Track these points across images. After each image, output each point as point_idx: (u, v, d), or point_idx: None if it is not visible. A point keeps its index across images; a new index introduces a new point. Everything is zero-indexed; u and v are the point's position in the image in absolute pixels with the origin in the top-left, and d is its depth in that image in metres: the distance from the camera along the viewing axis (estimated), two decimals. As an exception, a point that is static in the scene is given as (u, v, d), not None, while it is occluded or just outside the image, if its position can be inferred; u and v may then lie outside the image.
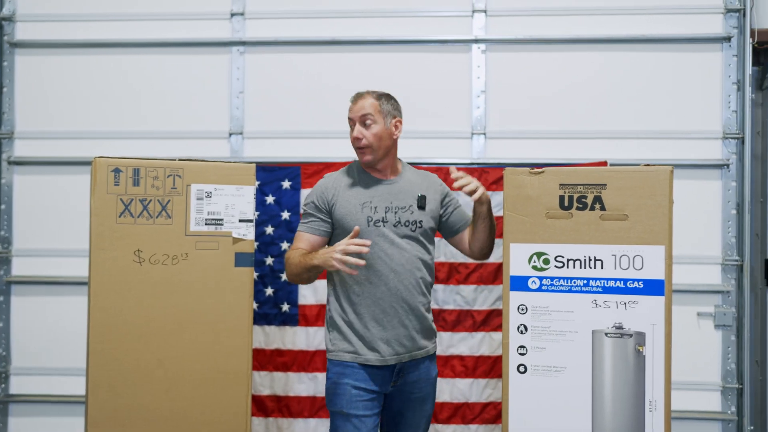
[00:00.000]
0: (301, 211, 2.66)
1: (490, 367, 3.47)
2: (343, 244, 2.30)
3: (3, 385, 3.66)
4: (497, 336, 3.45)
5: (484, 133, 3.56)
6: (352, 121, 2.51)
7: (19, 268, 3.67)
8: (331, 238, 2.53)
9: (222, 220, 2.43)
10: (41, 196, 3.65)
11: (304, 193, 3.44)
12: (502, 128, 3.57)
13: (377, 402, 2.49)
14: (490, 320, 3.47)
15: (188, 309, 2.40)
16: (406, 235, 2.50)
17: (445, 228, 2.65)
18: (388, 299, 2.46)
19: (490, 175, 3.43)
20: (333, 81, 3.58)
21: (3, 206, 3.66)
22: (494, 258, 3.44)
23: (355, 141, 2.49)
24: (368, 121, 2.48)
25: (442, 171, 3.36)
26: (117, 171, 2.33)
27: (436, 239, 3.36)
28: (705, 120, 3.50)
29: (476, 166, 3.49)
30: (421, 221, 2.53)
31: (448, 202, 2.64)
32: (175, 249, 2.39)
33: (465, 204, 2.71)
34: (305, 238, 2.50)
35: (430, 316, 2.59)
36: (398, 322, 2.47)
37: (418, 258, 2.51)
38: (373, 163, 2.51)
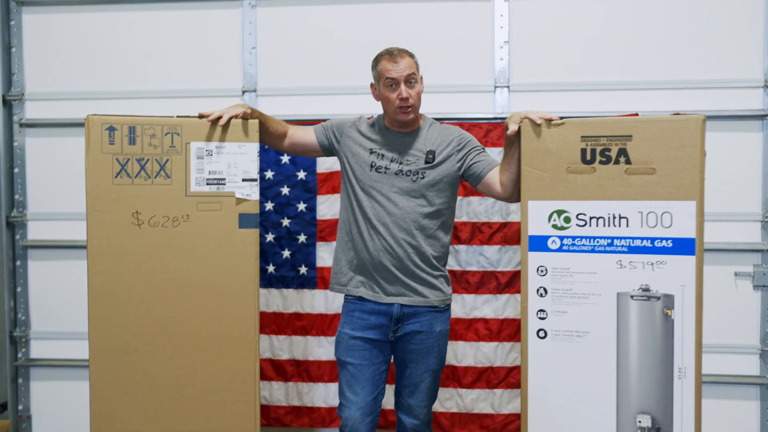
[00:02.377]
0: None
1: (516, 330, 3.34)
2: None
3: (24, 350, 3.65)
4: (522, 298, 3.31)
5: (508, 86, 3.38)
6: (394, 81, 2.44)
7: (35, 232, 3.63)
8: (344, 171, 2.58)
9: (224, 179, 2.32)
10: (54, 158, 3.58)
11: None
12: (527, 81, 3.38)
13: (377, 351, 2.52)
14: (515, 282, 3.33)
15: (191, 273, 2.31)
16: (407, 186, 2.48)
17: (470, 176, 2.55)
18: (374, 252, 2.48)
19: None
20: (348, 35, 3.42)
21: (17, 169, 3.61)
22: (519, 217, 3.28)
23: (403, 101, 2.44)
24: (412, 80, 2.46)
25: (464, 126, 3.21)
26: (111, 129, 2.23)
27: (459, 199, 3.27)
28: (744, 67, 3.27)
29: (499, 120, 3.32)
30: (425, 172, 2.48)
31: (469, 151, 2.55)
32: (175, 210, 2.29)
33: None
34: (308, 129, 2.62)
35: (432, 270, 2.52)
36: (383, 268, 2.48)
37: (417, 213, 2.47)
38: (413, 122, 2.51)
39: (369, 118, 2.63)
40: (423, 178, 2.48)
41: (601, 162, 2.18)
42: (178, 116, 2.31)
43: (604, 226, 2.20)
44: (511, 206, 3.31)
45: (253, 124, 2.36)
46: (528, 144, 2.25)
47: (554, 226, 2.24)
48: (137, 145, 2.25)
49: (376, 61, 2.51)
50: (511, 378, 3.36)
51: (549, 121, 2.24)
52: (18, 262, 3.62)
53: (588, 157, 2.19)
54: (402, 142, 2.52)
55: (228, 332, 2.35)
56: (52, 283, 3.62)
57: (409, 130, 2.54)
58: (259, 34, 3.47)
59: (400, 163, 2.49)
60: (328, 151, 2.62)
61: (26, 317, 3.64)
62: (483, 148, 2.58)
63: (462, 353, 3.38)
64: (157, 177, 2.26)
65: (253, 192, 2.35)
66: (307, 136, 2.61)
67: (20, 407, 3.65)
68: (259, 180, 2.36)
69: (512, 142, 2.36)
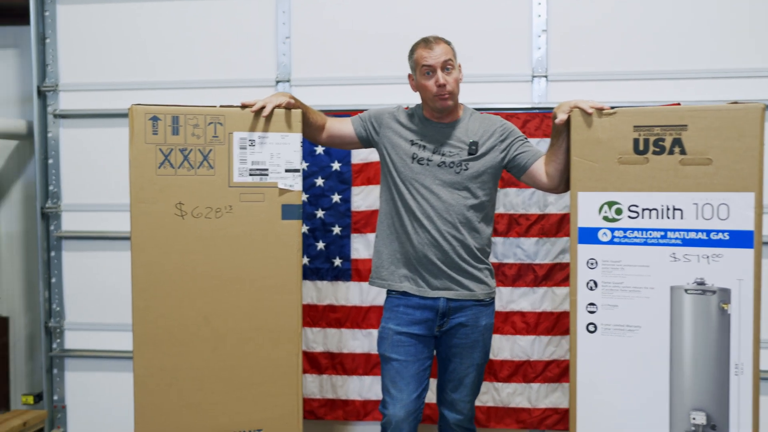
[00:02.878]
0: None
1: (553, 323, 3.29)
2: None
3: (59, 340, 3.65)
4: (560, 291, 3.26)
5: (546, 76, 3.31)
6: (431, 68, 2.40)
7: (69, 223, 3.62)
8: (384, 163, 2.54)
9: (267, 170, 2.29)
10: (88, 149, 3.57)
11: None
12: (565, 70, 3.32)
13: (422, 347, 2.49)
14: (553, 275, 3.28)
15: (234, 264, 2.28)
16: (450, 179, 2.43)
17: (514, 167, 2.50)
18: (419, 246, 2.43)
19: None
20: (384, 24, 3.37)
21: (51, 160, 3.60)
22: (557, 209, 3.24)
23: (440, 88, 2.39)
24: (449, 67, 2.41)
25: (500, 116, 3.15)
26: (155, 119, 2.20)
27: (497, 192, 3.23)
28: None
29: (537, 110, 3.27)
30: (467, 165, 2.43)
31: (512, 142, 2.50)
32: (218, 201, 2.26)
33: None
34: (344, 121, 2.57)
35: (477, 263, 2.48)
36: (428, 262, 2.44)
37: (462, 205, 2.43)
38: (451, 109, 2.46)
39: (406, 108, 2.58)
40: (466, 169, 2.43)
41: (654, 152, 2.12)
42: (221, 106, 2.27)
43: (657, 218, 2.14)
44: (549, 198, 3.25)
45: (296, 114, 2.33)
46: (578, 134, 2.19)
47: (605, 218, 2.19)
48: (180, 135, 2.22)
49: (412, 51, 2.47)
50: (548, 372, 3.31)
51: (600, 110, 2.19)
52: (53, 253, 3.62)
53: (641, 147, 2.14)
54: (443, 132, 2.47)
55: (271, 324, 2.32)
56: (86, 274, 3.61)
57: (450, 120, 2.49)
58: (293, 23, 3.43)
59: (443, 155, 2.44)
60: (366, 142, 2.57)
61: (61, 308, 3.64)
62: (526, 138, 2.53)
63: (498, 347, 3.34)
64: (200, 167, 2.23)
65: (296, 183, 2.32)
66: (344, 127, 2.56)
67: (55, 397, 3.65)
68: (301, 171, 2.32)
69: (560, 132, 2.31)
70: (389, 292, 2.53)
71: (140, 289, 2.23)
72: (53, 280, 3.62)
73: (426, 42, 2.42)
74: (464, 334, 2.48)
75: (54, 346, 3.64)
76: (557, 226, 3.26)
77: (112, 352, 3.58)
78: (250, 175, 2.28)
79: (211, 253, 2.26)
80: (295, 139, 2.31)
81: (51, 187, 3.60)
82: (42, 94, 3.58)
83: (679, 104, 3.07)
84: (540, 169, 2.43)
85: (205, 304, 2.27)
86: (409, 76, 2.52)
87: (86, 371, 3.66)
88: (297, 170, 2.32)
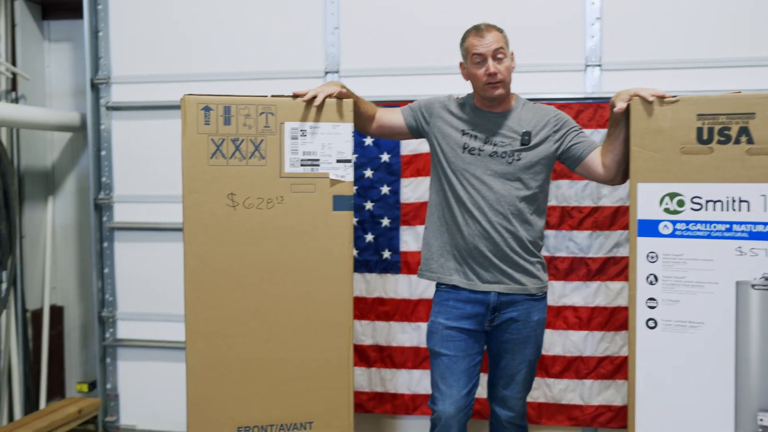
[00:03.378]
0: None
1: (607, 319, 3.21)
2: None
3: (111, 330, 3.70)
4: (614, 286, 3.18)
5: (600, 65, 3.22)
6: (481, 56, 2.34)
7: (121, 214, 3.66)
8: (434, 153, 2.50)
9: (318, 160, 2.27)
10: (139, 141, 3.61)
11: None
12: (620, 59, 3.22)
13: (473, 342, 2.44)
14: (607, 269, 3.20)
15: (285, 256, 2.27)
16: (501, 169, 2.37)
17: (568, 158, 2.43)
18: (469, 237, 2.38)
19: (607, 111, 3.12)
20: (435, 12, 3.32)
21: (103, 152, 3.64)
22: (611, 201, 3.16)
23: (491, 76, 2.34)
24: (500, 55, 2.35)
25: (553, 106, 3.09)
26: (207, 109, 2.19)
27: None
28: None
29: (591, 100, 3.18)
30: (520, 155, 2.37)
31: (566, 133, 2.43)
32: (269, 192, 2.24)
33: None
34: (394, 111, 2.53)
35: (529, 256, 2.42)
36: (479, 254, 2.39)
37: (513, 196, 2.37)
38: (503, 98, 2.40)
39: (457, 98, 2.53)
40: (519, 160, 2.37)
41: (719, 141, 2.04)
42: (272, 96, 2.26)
43: (722, 210, 2.06)
44: (603, 190, 3.17)
45: (348, 104, 2.30)
46: (638, 123, 2.12)
47: (666, 210, 2.11)
48: (232, 125, 2.21)
49: (464, 38, 2.42)
50: (601, 368, 3.24)
51: (661, 98, 2.11)
52: (105, 244, 3.66)
53: (705, 137, 2.06)
54: (494, 122, 2.41)
55: (322, 317, 2.30)
56: (138, 265, 3.65)
57: (502, 110, 2.43)
58: (342, 14, 3.40)
59: (494, 145, 2.38)
60: (417, 132, 2.53)
61: (113, 298, 3.69)
62: (581, 129, 2.46)
63: (550, 342, 3.27)
64: (251, 158, 2.22)
65: (347, 173, 2.29)
66: (394, 118, 2.52)
67: (108, 386, 3.71)
68: (353, 161, 2.30)
69: (618, 122, 2.24)
70: (438, 285, 2.48)
71: (192, 280, 2.23)
72: (106, 270, 3.67)
73: (477, 29, 2.37)
74: (516, 330, 2.43)
75: (107, 335, 3.69)
76: (611, 218, 3.18)
77: (164, 342, 3.61)
78: (302, 165, 2.26)
79: (262, 245, 2.25)
80: (347, 129, 2.28)
81: (104, 179, 3.65)
82: (95, 87, 3.62)
83: (739, 92, 2.96)
84: (596, 160, 2.36)
85: (256, 295, 2.26)
86: (461, 64, 2.47)
87: (138, 361, 3.70)
88: (348, 160, 2.29)
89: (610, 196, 3.17)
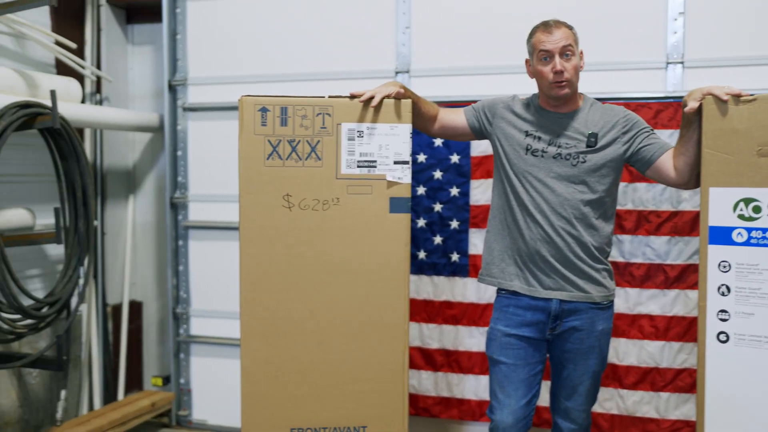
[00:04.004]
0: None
1: (685, 329, 3.05)
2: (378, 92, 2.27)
3: (185, 326, 3.79)
4: (694, 295, 3.02)
5: (682, 62, 3.07)
6: (548, 53, 2.25)
7: (196, 213, 3.75)
8: (496, 155, 2.43)
9: (375, 161, 2.24)
10: (213, 141, 3.68)
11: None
12: (704, 55, 3.05)
13: (533, 350, 2.35)
14: (686, 276, 3.04)
15: (340, 258, 2.25)
16: (566, 172, 2.27)
17: (639, 160, 2.32)
18: (531, 241, 2.30)
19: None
20: (507, 10, 3.24)
21: (179, 152, 3.73)
22: (691, 206, 3.00)
23: (557, 75, 2.25)
24: (568, 53, 2.26)
25: (630, 106, 2.95)
26: (264, 110, 2.20)
27: (623, 186, 3.02)
28: None
29: (671, 100, 3.03)
30: (585, 157, 2.26)
31: (637, 133, 2.31)
32: (325, 193, 2.23)
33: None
34: (457, 112, 2.48)
35: (594, 263, 2.31)
36: (540, 259, 2.30)
37: (578, 200, 2.27)
38: (569, 98, 2.31)
39: (522, 98, 2.45)
40: (584, 162, 2.27)
41: (801, 144, 1.89)
42: (329, 96, 2.25)
43: (804, 217, 1.91)
44: (683, 194, 3.01)
45: (406, 104, 2.26)
46: (711, 123, 1.99)
47: (740, 217, 1.98)
48: (289, 126, 2.21)
49: (531, 34, 2.33)
50: (679, 381, 3.08)
51: (737, 97, 1.98)
52: (180, 242, 3.76)
53: (785, 138, 1.91)
54: (560, 123, 2.32)
55: (377, 319, 2.27)
56: (211, 263, 3.73)
57: (568, 110, 2.33)
58: (413, 13, 3.37)
59: (559, 146, 2.29)
60: (479, 133, 2.47)
61: (187, 295, 3.78)
62: (652, 130, 2.34)
63: (624, 351, 3.14)
64: (308, 159, 2.22)
65: (404, 175, 2.25)
66: (457, 118, 2.46)
67: (182, 381, 3.80)
68: (411, 163, 2.26)
69: (691, 122, 2.11)
70: (499, 290, 2.41)
71: (247, 280, 2.24)
72: (180, 268, 3.76)
73: (545, 25, 2.28)
74: (578, 339, 2.33)
75: (181, 331, 3.78)
76: (691, 224, 3.02)
77: (234, 340, 3.67)
78: (358, 166, 2.24)
79: (318, 246, 2.24)
80: (405, 129, 2.24)
81: (179, 178, 3.74)
82: (172, 88, 3.72)
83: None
84: (667, 162, 2.24)
85: (311, 297, 2.25)
86: (527, 61, 2.39)
87: (210, 357, 3.78)
88: (406, 162, 2.25)
89: (690, 201, 3.01)
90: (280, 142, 2.20)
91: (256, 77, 3.57)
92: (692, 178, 2.19)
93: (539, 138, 2.32)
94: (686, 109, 2.06)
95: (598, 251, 2.30)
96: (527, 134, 2.34)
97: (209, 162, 3.68)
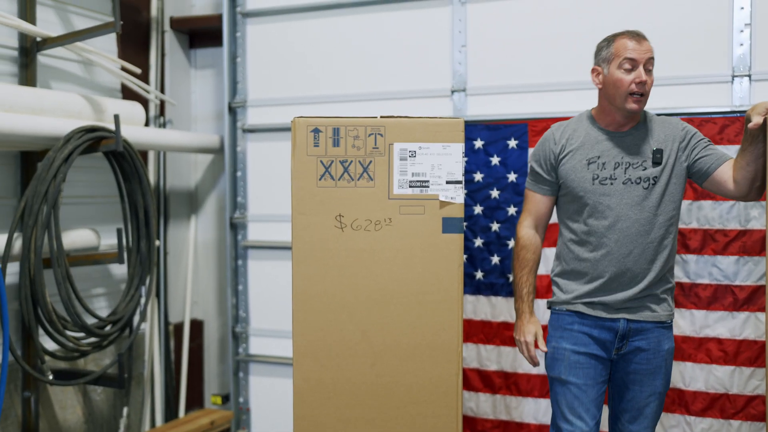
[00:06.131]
0: (529, 165, 2.47)
1: (757, 354, 2.93)
2: (532, 350, 2.37)
3: (244, 345, 3.83)
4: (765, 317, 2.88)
5: (749, 75, 2.96)
6: (634, 62, 2.18)
7: (255, 233, 3.80)
8: (557, 198, 2.37)
9: (428, 181, 2.21)
10: (271, 162, 3.73)
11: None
12: (775, 66, 2.94)
13: (600, 370, 2.30)
14: (756, 298, 2.92)
15: (393, 278, 2.23)
16: (638, 196, 2.21)
17: (696, 172, 2.25)
18: (607, 266, 2.23)
19: (758, 125, 2.85)
20: (564, 26, 3.19)
21: (239, 173, 3.79)
22: (761, 224, 2.88)
23: (639, 85, 2.17)
24: (650, 67, 2.21)
25: (694, 121, 2.87)
26: (316, 131, 2.20)
27: (687, 204, 2.93)
28: None
29: (738, 114, 2.93)
30: (656, 177, 2.19)
31: (695, 145, 2.25)
32: (377, 214, 2.21)
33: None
34: (532, 199, 2.40)
35: (664, 283, 2.26)
36: (617, 285, 2.24)
37: (648, 222, 2.20)
38: (634, 116, 2.26)
39: (562, 125, 2.36)
40: (654, 184, 2.20)
41: None
42: (381, 116, 2.24)
43: None
44: (752, 212, 2.90)
45: (457, 122, 2.23)
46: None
47: (812, 237, 1.88)
48: (341, 146, 2.21)
49: (610, 40, 2.25)
50: (751, 409, 2.94)
51: None
52: (239, 262, 3.80)
53: None
54: (622, 142, 2.25)
55: (430, 341, 2.24)
56: (268, 283, 3.77)
57: (628, 128, 2.27)
58: (469, 31, 3.36)
59: (626, 170, 2.21)
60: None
61: (246, 314, 3.82)
62: (709, 141, 2.27)
63: (690, 376, 3.02)
64: (360, 179, 2.21)
65: (457, 195, 2.22)
66: (539, 201, 2.38)
67: (241, 400, 3.83)
68: (464, 182, 2.23)
69: (754, 137, 2.04)
70: (561, 309, 2.35)
71: (300, 301, 2.24)
72: (240, 287, 3.80)
73: (632, 33, 2.21)
74: (645, 359, 2.27)
75: (240, 350, 3.82)
76: (761, 243, 2.89)
77: (291, 359, 3.67)
78: (410, 186, 2.22)
79: (370, 267, 2.23)
80: (457, 149, 2.21)
81: (239, 198, 3.80)
82: (232, 110, 3.79)
83: None
84: (726, 174, 2.17)
85: (364, 318, 2.23)
86: (594, 69, 2.29)
87: (269, 376, 3.80)
88: (459, 182, 2.22)
89: (760, 219, 2.89)
90: (333, 162, 2.20)
91: (312, 98, 3.62)
92: (752, 192, 2.13)
93: (603, 164, 2.25)
94: (750, 125, 1.98)
95: (668, 272, 2.26)
96: (590, 162, 2.26)
97: (267, 182, 3.73)
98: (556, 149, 2.31)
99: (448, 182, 2.22)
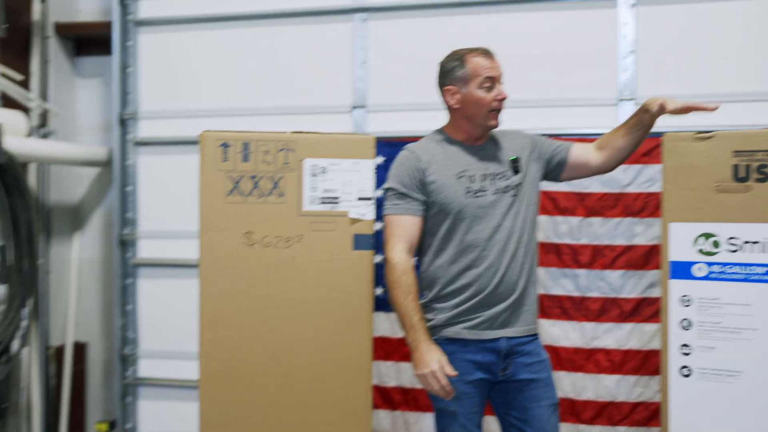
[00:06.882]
0: (386, 188, 2.26)
1: (641, 362, 3.08)
2: (443, 378, 2.06)
3: (133, 368, 3.66)
4: (649, 328, 3.06)
5: (633, 99, 3.14)
6: (492, 80, 2.18)
7: (146, 250, 3.65)
8: (434, 206, 2.22)
9: (338, 198, 2.21)
10: (165, 176, 3.61)
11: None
12: (655, 93, 3.11)
13: (486, 393, 2.23)
14: (641, 310, 3.08)
15: (302, 296, 2.20)
16: (507, 203, 2.21)
17: (555, 168, 2.32)
18: (490, 279, 2.17)
19: (641, 146, 3.02)
20: (460, 44, 3.26)
21: (129, 187, 3.64)
22: (645, 240, 3.05)
23: (501, 102, 2.20)
24: (502, 81, 2.22)
25: (585, 142, 3.01)
26: (225, 146, 2.16)
27: (578, 220, 3.07)
28: None
29: (623, 136, 3.09)
30: (519, 185, 2.23)
31: (541, 146, 2.32)
32: (288, 230, 2.19)
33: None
34: (401, 222, 2.20)
35: (533, 291, 2.26)
36: (498, 298, 2.18)
37: (522, 230, 2.21)
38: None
39: (414, 145, 2.28)
40: (519, 191, 2.21)
41: (757, 180, 1.94)
42: (293, 132, 2.22)
43: (761, 251, 1.95)
44: (637, 228, 3.07)
45: (368, 139, 2.24)
46: (671, 160, 2.03)
47: (701, 251, 2.01)
48: (251, 162, 2.17)
49: (462, 60, 2.21)
50: (635, 415, 3.10)
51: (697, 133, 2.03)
52: (129, 280, 3.64)
53: (741, 175, 1.96)
54: (483, 155, 2.24)
55: (340, 359, 2.22)
56: (161, 302, 3.62)
57: (482, 141, 2.27)
58: (370, 48, 3.38)
59: (493, 181, 2.20)
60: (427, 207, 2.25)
61: (136, 335, 3.65)
62: (547, 138, 2.38)
63: (581, 386, 3.15)
64: (270, 195, 2.17)
65: (368, 211, 2.23)
66: (413, 223, 2.21)
67: (129, 425, 3.65)
68: (375, 199, 2.24)
69: (646, 126, 2.20)
70: (440, 337, 2.21)
71: (207, 320, 2.18)
72: (129, 307, 3.64)
73: (485, 51, 2.22)
74: (534, 372, 2.21)
75: (128, 373, 3.64)
76: (645, 258, 3.06)
77: (186, 382, 3.55)
78: (321, 203, 2.20)
79: (280, 284, 2.19)
80: (368, 166, 2.23)
81: (129, 214, 3.64)
82: (123, 122, 3.63)
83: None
84: (581, 157, 2.29)
85: (273, 337, 2.19)
86: (448, 89, 2.24)
87: (160, 400, 3.65)
88: (369, 198, 2.23)
89: (644, 234, 3.07)
90: (242, 177, 2.16)
91: (209, 111, 3.52)
92: (618, 163, 2.28)
93: (472, 177, 2.21)
94: (675, 108, 2.10)
95: (535, 280, 2.29)
96: (459, 177, 2.21)
97: (161, 197, 3.60)
98: (421, 166, 2.20)
99: (359, 198, 2.22)
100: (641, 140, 2.25)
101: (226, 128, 2.23)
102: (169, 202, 3.57)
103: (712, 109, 2.07)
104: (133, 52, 3.62)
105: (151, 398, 3.66)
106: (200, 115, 3.52)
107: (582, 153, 2.30)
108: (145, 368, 3.66)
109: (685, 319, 2.03)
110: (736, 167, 1.97)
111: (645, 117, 2.18)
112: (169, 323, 3.59)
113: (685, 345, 2.03)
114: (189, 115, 3.55)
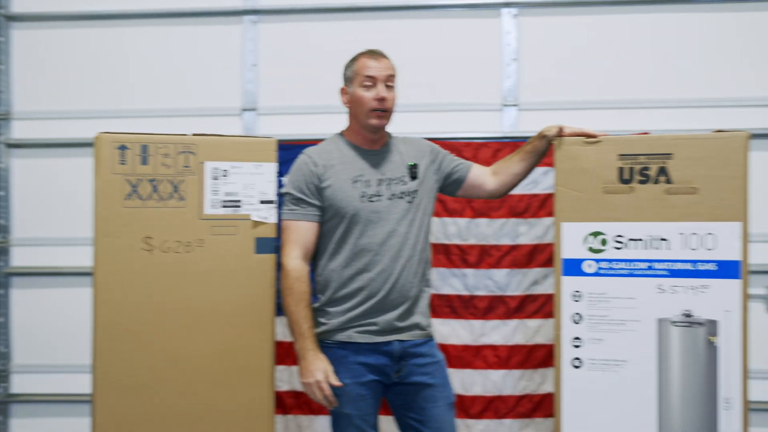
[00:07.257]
0: (283, 193, 2.26)
1: (525, 357, 3.22)
2: (327, 389, 2.12)
3: (4, 384, 3.43)
4: (532, 323, 3.21)
5: (516, 105, 3.29)
6: (373, 79, 2.20)
7: (20, 258, 3.44)
8: (329, 209, 2.22)
9: (240, 201, 2.18)
10: (43, 181, 3.41)
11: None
12: (536, 99, 3.30)
13: (380, 395, 2.25)
14: (525, 306, 3.23)
15: (204, 302, 2.16)
16: (403, 209, 2.23)
17: (452, 183, 2.38)
18: (382, 284, 2.19)
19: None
20: (350, 49, 3.29)
21: (1, 192, 3.42)
22: (528, 239, 3.20)
23: (381, 102, 2.18)
24: (390, 83, 2.23)
25: (472, 145, 3.13)
26: (123, 148, 2.08)
27: (466, 221, 3.18)
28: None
29: (508, 139, 3.23)
30: (415, 191, 2.26)
31: (442, 159, 2.37)
32: (188, 235, 2.14)
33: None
34: (297, 228, 2.19)
35: (426, 294, 2.30)
36: (390, 304, 2.20)
37: (416, 236, 2.24)
38: (382, 133, 2.28)
39: (312, 150, 2.28)
40: (415, 197, 2.24)
41: (639, 181, 2.10)
42: (194, 134, 2.17)
43: (644, 248, 2.10)
44: (520, 228, 3.21)
45: (270, 142, 2.23)
46: (563, 163, 2.15)
47: (590, 249, 2.14)
48: (150, 164, 2.10)
49: (353, 60, 2.27)
50: (520, 407, 3.24)
51: (586, 135, 2.16)
52: (1, 291, 3.42)
53: (626, 177, 2.11)
54: (379, 160, 2.26)
55: (242, 365, 2.20)
56: (38, 313, 3.42)
57: (379, 146, 2.29)
58: (260, 50, 3.35)
59: (389, 186, 2.23)
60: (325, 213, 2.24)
61: (8, 349, 3.43)
62: (450, 153, 2.43)
63: (470, 382, 3.25)
64: (170, 199, 2.12)
65: (270, 215, 2.21)
66: (309, 229, 2.20)
67: (1, 446, 3.43)
68: (277, 202, 2.23)
69: (540, 154, 2.29)
70: (332, 342, 2.23)
71: (103, 329, 2.09)
72: (0, 319, 3.41)
73: (372, 52, 2.25)
74: (429, 374, 2.24)
75: None
76: (528, 257, 3.21)
77: (65, 396, 3.37)
78: (223, 206, 2.17)
79: (180, 290, 2.14)
80: (270, 169, 2.22)
81: (0, 221, 3.42)
82: (-7, 123, 3.41)
83: (647, 133, 3.07)
84: (478, 179, 2.36)
85: (173, 344, 2.14)
86: (343, 89, 2.29)
87: (34, 417, 3.45)
88: (271, 201, 2.22)
89: (527, 234, 3.21)
90: (141, 181, 2.09)
91: (94, 112, 3.37)
92: (510, 188, 2.38)
93: (368, 182, 2.22)
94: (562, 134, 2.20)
95: (428, 285, 2.32)
96: (355, 181, 2.21)
97: (37, 202, 3.40)
98: (317, 170, 2.20)
99: (261, 202, 2.21)
100: (534, 166, 2.35)
101: (112, 130, 2.14)
102: (48, 208, 3.38)
103: (596, 136, 2.19)
104: (5, 48, 3.40)
105: (26, 416, 3.45)
106: (84, 117, 3.36)
107: (479, 175, 2.37)
108: (19, 384, 3.45)
109: (576, 314, 2.15)
110: (621, 170, 2.11)
111: (541, 143, 2.27)
112: (47, 335, 3.39)
113: (576, 338, 2.15)
114: (72, 116, 3.37)
